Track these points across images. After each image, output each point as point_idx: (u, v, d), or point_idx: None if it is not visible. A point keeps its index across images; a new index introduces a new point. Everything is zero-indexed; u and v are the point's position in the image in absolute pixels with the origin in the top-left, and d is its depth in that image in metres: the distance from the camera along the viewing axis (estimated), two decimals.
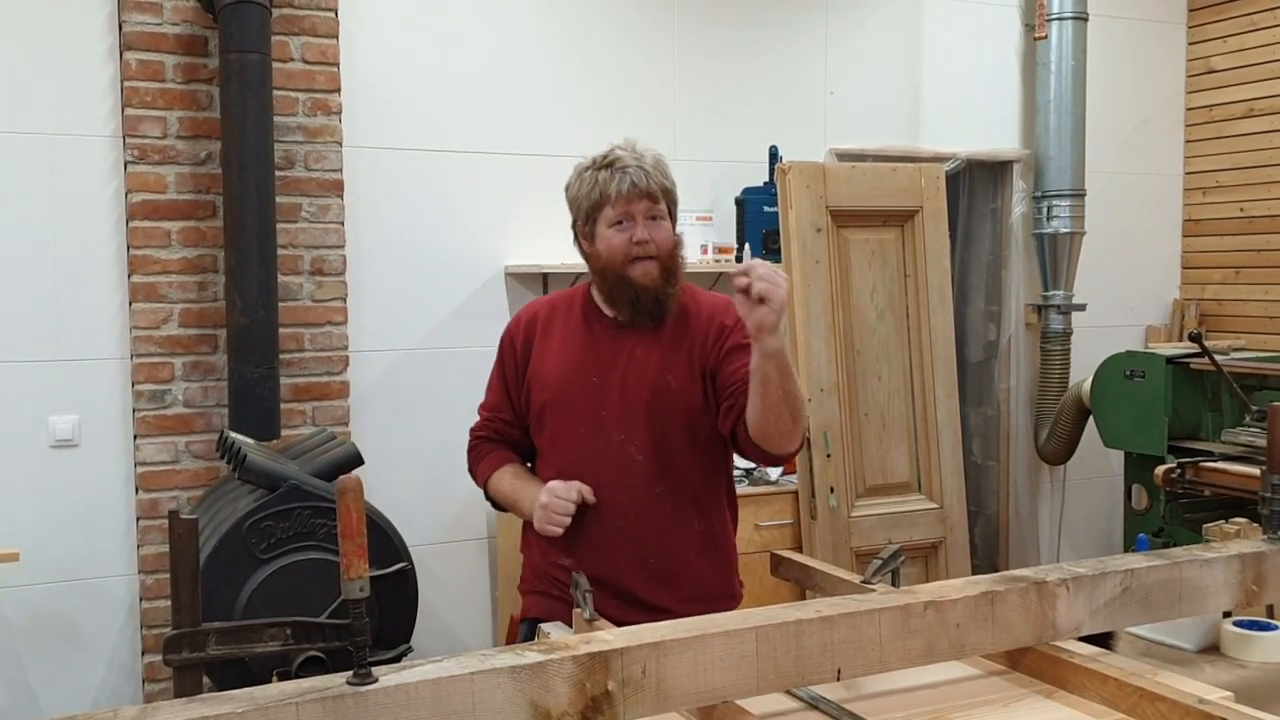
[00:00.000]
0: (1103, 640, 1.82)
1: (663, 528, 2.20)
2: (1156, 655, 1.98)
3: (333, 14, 3.85)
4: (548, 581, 2.26)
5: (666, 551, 2.20)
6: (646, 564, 2.19)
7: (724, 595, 2.29)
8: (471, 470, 2.39)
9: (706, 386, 2.22)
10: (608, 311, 2.25)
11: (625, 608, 2.13)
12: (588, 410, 2.20)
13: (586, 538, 2.19)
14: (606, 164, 2.20)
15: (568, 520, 2.14)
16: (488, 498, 2.37)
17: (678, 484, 2.21)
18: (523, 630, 2.33)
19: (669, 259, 2.20)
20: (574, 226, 2.27)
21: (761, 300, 1.92)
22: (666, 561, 2.20)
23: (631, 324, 2.22)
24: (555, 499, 2.14)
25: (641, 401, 2.19)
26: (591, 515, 2.18)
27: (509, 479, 2.30)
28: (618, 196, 2.16)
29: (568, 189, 2.27)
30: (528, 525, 2.31)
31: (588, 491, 2.15)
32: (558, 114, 4.28)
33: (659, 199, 2.19)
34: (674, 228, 2.25)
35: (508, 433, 2.35)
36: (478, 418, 2.39)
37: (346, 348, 3.93)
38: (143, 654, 3.71)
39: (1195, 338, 4.19)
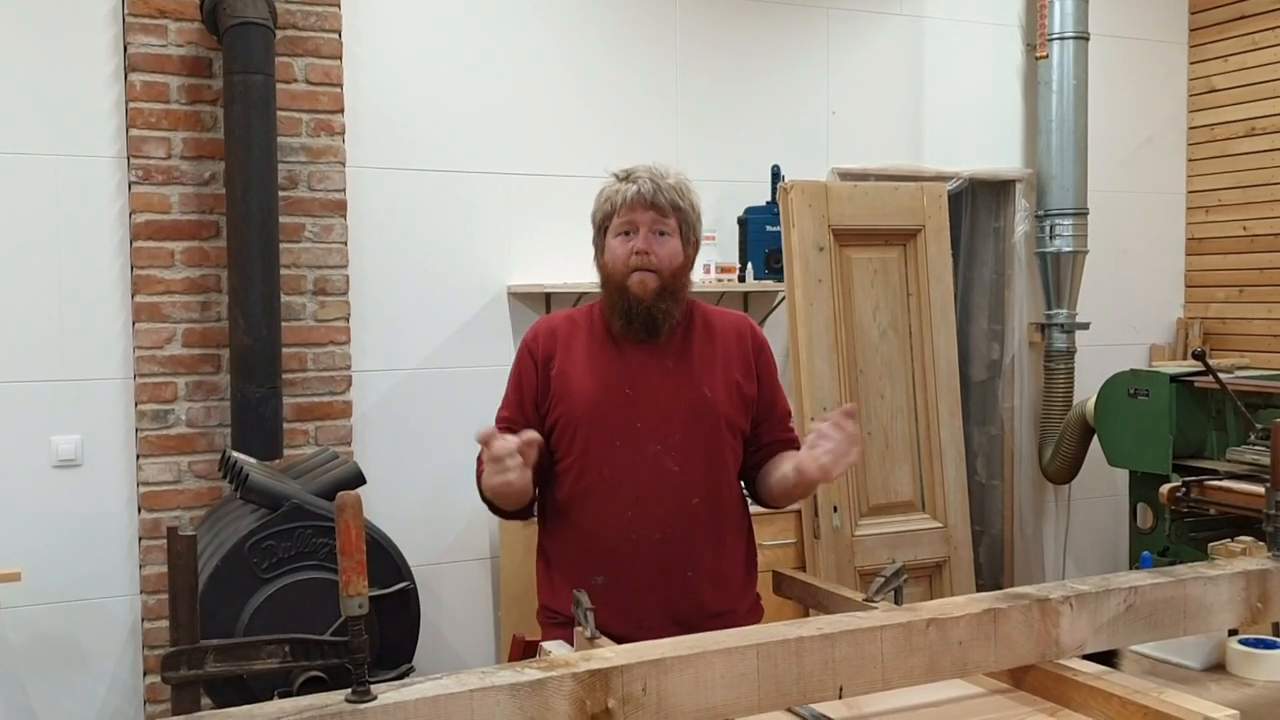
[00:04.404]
0: (1107, 658, 1.81)
1: (701, 538, 2.19)
2: (1161, 674, 1.96)
3: (336, 35, 3.88)
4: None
5: (704, 562, 2.19)
6: (684, 576, 2.17)
7: (756, 608, 2.31)
8: (478, 481, 2.25)
9: (743, 401, 2.25)
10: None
11: (663, 623, 2.11)
12: (622, 422, 2.18)
13: (623, 553, 2.16)
14: (624, 176, 2.22)
15: (512, 458, 1.98)
16: (486, 501, 2.22)
17: (713, 494, 2.21)
18: None
19: (670, 277, 2.18)
20: (594, 242, 2.28)
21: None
22: (704, 571, 2.19)
23: (643, 338, 2.21)
24: (495, 441, 2.00)
25: (679, 412, 2.18)
26: (629, 529, 2.16)
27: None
28: (623, 204, 2.18)
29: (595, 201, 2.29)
30: (553, 542, 2.28)
31: (528, 438, 2.02)
32: (561, 134, 4.29)
33: (667, 213, 2.17)
34: (689, 252, 2.23)
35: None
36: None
37: (349, 367, 3.93)
38: (144, 675, 3.70)
39: (1199, 356, 4.18)
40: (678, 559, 2.17)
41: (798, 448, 2.25)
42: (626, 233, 2.18)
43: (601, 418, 2.18)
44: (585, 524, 2.20)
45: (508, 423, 2.25)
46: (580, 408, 2.19)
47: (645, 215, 2.17)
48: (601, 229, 2.24)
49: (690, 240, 2.24)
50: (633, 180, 2.19)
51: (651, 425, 2.17)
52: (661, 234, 2.18)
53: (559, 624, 2.23)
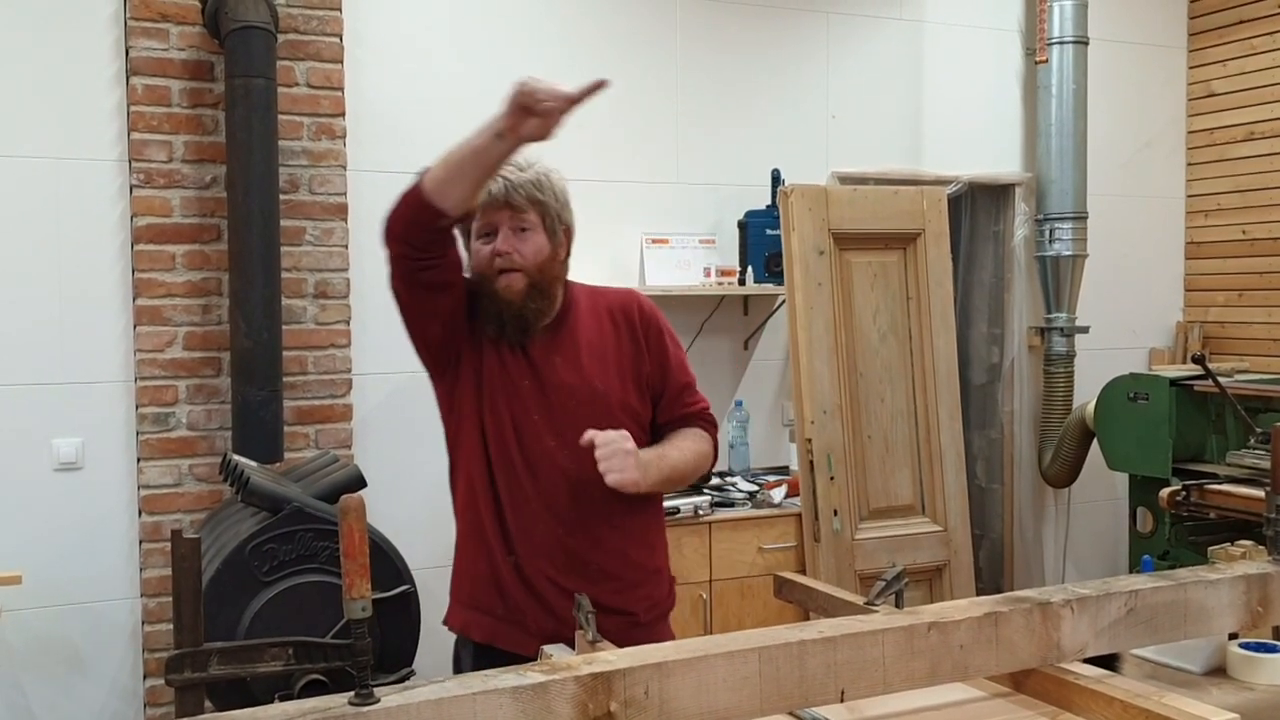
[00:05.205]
0: (1107, 662, 1.81)
1: (601, 528, 2.17)
2: (1162, 677, 1.96)
3: (337, 39, 3.88)
4: (492, 594, 2.19)
5: (607, 549, 2.18)
6: (589, 564, 2.16)
7: (665, 581, 2.30)
8: (403, 199, 2.09)
9: (638, 384, 2.22)
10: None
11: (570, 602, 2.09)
12: (518, 417, 2.15)
13: (529, 541, 2.15)
14: None
15: (554, 90, 1.91)
16: (421, 196, 2.05)
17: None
18: (465, 653, 2.24)
19: (537, 272, 2.14)
20: (464, 246, 2.22)
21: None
22: (610, 558, 2.18)
23: (518, 341, 2.18)
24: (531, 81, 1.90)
25: (569, 408, 2.16)
26: (533, 519, 2.15)
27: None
28: (479, 207, 2.14)
29: None
30: (467, 520, 2.24)
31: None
32: (561, 137, 4.27)
33: (524, 209, 2.14)
34: (558, 242, 2.18)
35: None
36: None
37: (350, 371, 3.93)
38: (144, 678, 3.70)
39: (1199, 360, 4.18)
40: (582, 547, 2.16)
41: (697, 422, 2.29)
42: (488, 234, 2.15)
43: (498, 413, 2.16)
44: (490, 519, 2.18)
45: None
46: (481, 404, 2.18)
47: (502, 215, 2.14)
48: (466, 232, 2.20)
49: (558, 230, 2.19)
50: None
51: (545, 420, 2.15)
52: (523, 230, 2.14)
53: (463, 604, 2.23)
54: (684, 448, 2.23)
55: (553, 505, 2.15)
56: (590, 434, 2.05)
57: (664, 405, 2.28)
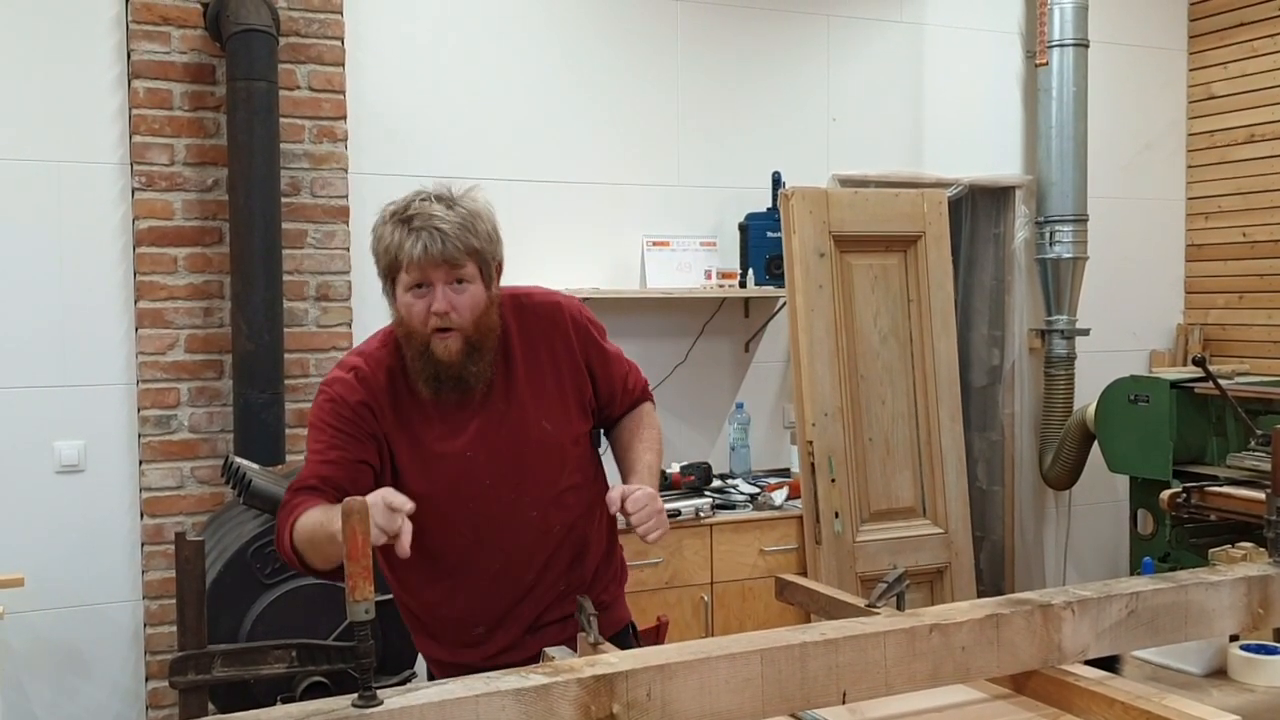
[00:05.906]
0: (1109, 664, 1.81)
1: (569, 562, 2.13)
2: (1162, 679, 1.97)
3: (339, 42, 3.89)
4: (468, 656, 2.09)
5: (574, 572, 2.14)
6: (560, 595, 2.12)
7: (619, 567, 2.28)
8: (279, 531, 1.96)
9: (582, 406, 2.15)
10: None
11: (543, 642, 2.05)
12: (469, 483, 2.03)
13: (495, 605, 2.08)
14: (405, 218, 1.93)
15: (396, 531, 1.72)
16: (293, 554, 1.93)
17: (574, 516, 2.13)
18: None
19: (474, 329, 1.96)
20: (384, 290, 2.02)
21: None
22: (577, 576, 2.14)
23: (456, 401, 2.02)
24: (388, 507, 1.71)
25: (525, 459, 2.05)
26: (503, 578, 2.07)
27: (319, 511, 1.87)
28: (410, 262, 1.91)
29: (372, 236, 2.00)
30: (420, 598, 2.13)
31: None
32: (562, 141, 4.30)
33: (461, 263, 1.92)
34: (492, 286, 2.00)
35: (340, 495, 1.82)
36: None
37: None
38: (146, 680, 3.70)
39: (1200, 362, 4.19)
40: (552, 585, 2.11)
41: (642, 400, 2.25)
42: (420, 286, 1.94)
43: (449, 488, 2.02)
44: (456, 591, 2.09)
45: (322, 480, 1.97)
46: (425, 481, 2.01)
47: (438, 272, 1.92)
48: (388, 278, 1.98)
49: (492, 272, 2.00)
50: (415, 231, 1.91)
51: (501, 477, 2.04)
52: (459, 282, 1.94)
53: (444, 674, 2.13)
54: (652, 442, 2.20)
55: (520, 558, 2.07)
56: (618, 495, 1.96)
57: (619, 401, 2.22)
